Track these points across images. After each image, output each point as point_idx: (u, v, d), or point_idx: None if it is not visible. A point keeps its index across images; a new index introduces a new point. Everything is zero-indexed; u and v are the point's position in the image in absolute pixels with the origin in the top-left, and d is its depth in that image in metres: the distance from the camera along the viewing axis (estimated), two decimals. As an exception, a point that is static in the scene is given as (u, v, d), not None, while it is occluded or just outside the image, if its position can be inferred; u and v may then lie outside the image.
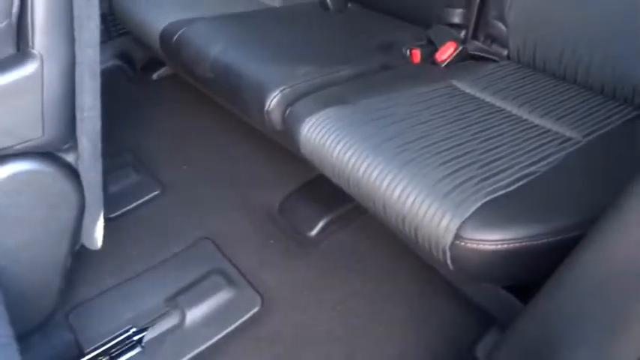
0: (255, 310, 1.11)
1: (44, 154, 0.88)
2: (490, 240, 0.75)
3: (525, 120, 1.06)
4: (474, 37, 1.42)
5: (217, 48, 1.27)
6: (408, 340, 1.04)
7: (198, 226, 1.33)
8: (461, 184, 0.83)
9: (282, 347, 1.05)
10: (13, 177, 0.85)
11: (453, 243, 0.77)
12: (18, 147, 0.83)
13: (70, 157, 0.92)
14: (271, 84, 1.11)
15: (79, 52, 0.80)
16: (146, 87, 1.91)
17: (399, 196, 0.85)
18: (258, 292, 1.15)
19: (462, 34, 1.42)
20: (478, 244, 0.75)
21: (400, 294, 1.12)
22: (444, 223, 0.78)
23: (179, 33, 1.37)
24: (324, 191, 1.33)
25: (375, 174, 0.89)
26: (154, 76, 1.94)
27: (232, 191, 1.43)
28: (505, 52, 1.35)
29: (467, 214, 0.77)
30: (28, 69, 0.77)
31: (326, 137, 0.98)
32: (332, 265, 1.20)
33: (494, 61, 1.33)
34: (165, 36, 1.41)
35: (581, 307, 0.51)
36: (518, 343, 0.57)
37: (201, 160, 1.56)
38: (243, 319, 1.10)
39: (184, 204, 1.42)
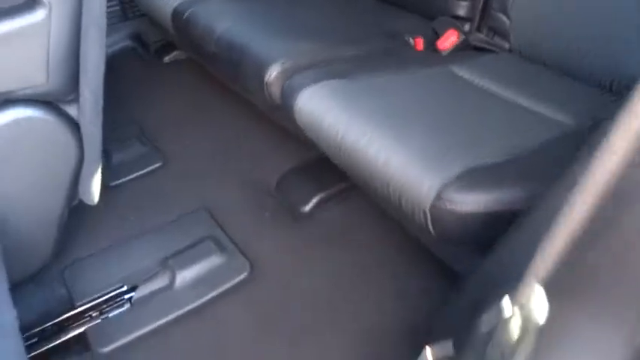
0: (244, 275, 1.14)
1: (48, 103, 0.92)
2: (470, 202, 0.77)
3: (520, 105, 1.07)
4: (478, 29, 1.44)
5: (224, 25, 1.31)
6: (393, 310, 1.06)
7: (195, 197, 1.36)
8: (445, 150, 0.85)
9: (268, 311, 1.08)
10: (17, 122, 0.89)
11: (433, 204, 0.79)
12: (23, 92, 0.87)
13: (72, 110, 0.96)
14: (272, 57, 1.14)
15: (86, 5, 0.84)
16: (158, 68, 1.96)
17: (385, 161, 0.87)
18: (248, 259, 1.17)
19: (467, 27, 1.45)
20: (459, 206, 0.77)
21: (388, 267, 1.14)
22: (426, 184, 0.80)
23: (189, 11, 1.42)
24: (320, 171, 1.36)
25: (363, 141, 0.91)
26: (166, 58, 1.99)
27: (232, 167, 1.47)
28: (507, 45, 1.36)
29: (449, 177, 0.79)
30: (37, 16, 0.81)
31: (320, 106, 1.01)
32: (323, 238, 1.22)
33: (496, 52, 1.35)
34: (177, 14, 1.46)
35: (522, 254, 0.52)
36: (466, 294, 0.58)
37: (204, 137, 1.59)
38: (232, 283, 1.12)
39: (184, 176, 1.45)
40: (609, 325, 0.42)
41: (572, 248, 0.36)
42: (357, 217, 1.27)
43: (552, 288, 0.38)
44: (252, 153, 1.51)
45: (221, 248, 1.19)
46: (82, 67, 0.89)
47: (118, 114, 1.60)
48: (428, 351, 0.42)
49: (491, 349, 0.34)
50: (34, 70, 0.85)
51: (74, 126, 0.96)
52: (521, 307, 0.35)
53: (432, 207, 0.79)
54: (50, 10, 0.81)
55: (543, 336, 0.34)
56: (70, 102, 0.94)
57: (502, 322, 0.34)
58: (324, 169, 1.35)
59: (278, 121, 1.47)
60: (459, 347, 0.39)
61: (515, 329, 0.34)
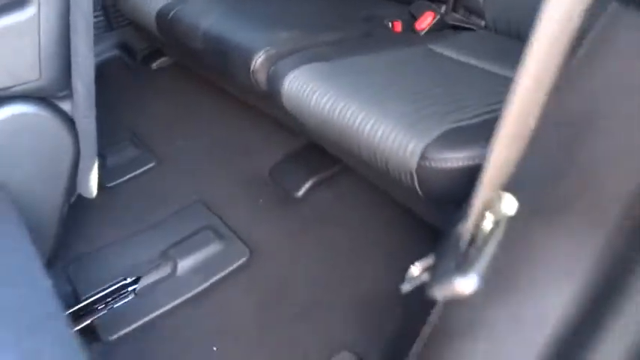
0: (244, 260, 1.17)
1: (42, 99, 0.95)
2: (454, 158, 0.80)
3: (496, 74, 1.12)
4: (454, 10, 1.49)
5: (208, 21, 1.35)
6: (390, 283, 1.08)
7: (191, 191, 1.39)
8: (426, 116, 0.89)
9: (269, 292, 1.10)
10: (13, 119, 0.92)
11: (419, 165, 0.82)
12: (17, 89, 0.90)
13: (66, 106, 0.99)
14: (256, 46, 1.18)
15: (74, 1, 0.87)
16: (146, 75, 1.99)
17: (370, 131, 0.90)
18: (246, 244, 1.20)
19: (443, 9, 1.49)
20: (443, 164, 0.81)
21: (382, 242, 1.17)
22: (410, 147, 0.84)
23: (174, 11, 1.46)
24: (311, 157, 1.40)
25: (348, 114, 0.95)
26: (154, 65, 2.02)
27: (225, 161, 1.50)
28: (482, 23, 1.41)
29: (431, 138, 0.83)
30: (27, 12, 0.85)
31: (305, 87, 1.05)
32: (318, 220, 1.26)
33: (473, 30, 1.40)
34: (161, 16, 1.50)
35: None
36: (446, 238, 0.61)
37: (195, 136, 1.62)
38: (232, 268, 1.15)
39: (178, 173, 1.48)
40: (578, 233, 0.46)
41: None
42: (349, 198, 1.30)
43: (517, 195, 0.41)
44: (243, 146, 1.54)
45: (219, 236, 1.22)
46: (73, 61, 0.92)
47: (110, 120, 1.63)
48: (413, 268, 0.46)
49: (465, 244, 0.37)
50: (26, 66, 0.88)
51: (69, 121, 0.99)
52: (493, 210, 0.39)
53: (418, 167, 0.83)
54: (39, 6, 0.85)
55: (514, 226, 0.37)
56: (63, 98, 0.97)
57: (475, 222, 0.37)
58: (314, 155, 1.39)
59: (266, 114, 1.51)
60: (438, 256, 0.42)
61: (488, 224, 0.37)
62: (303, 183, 1.33)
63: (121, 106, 1.78)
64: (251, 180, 1.42)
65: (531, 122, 0.41)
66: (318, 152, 1.35)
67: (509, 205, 0.38)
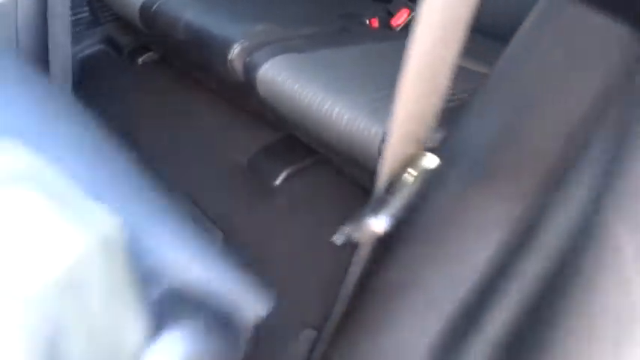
0: (217, 245, 1.20)
1: (20, 83, 0.98)
2: (412, 142, 0.84)
3: (465, 68, 1.14)
4: (431, 9, 1.53)
5: (190, 13, 1.39)
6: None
7: (170, 182, 1.41)
8: (390, 103, 0.92)
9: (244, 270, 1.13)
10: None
11: (380, 148, 0.86)
12: (-5, 71, 0.93)
13: (44, 91, 1.02)
14: (234, 37, 1.22)
15: (51, -14, 0.91)
16: (131, 70, 2.01)
17: (335, 118, 0.95)
18: (221, 230, 1.23)
19: (421, 7, 1.54)
20: (402, 147, 0.84)
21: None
22: (373, 131, 0.87)
23: (157, 3, 1.49)
24: (288, 149, 1.43)
25: (317, 101, 0.99)
26: (140, 60, 2.05)
27: (204, 153, 1.53)
28: (458, 21, 1.45)
29: (392, 123, 0.87)
30: (4, -3, 0.88)
31: (278, 77, 1.09)
32: (293, 207, 1.29)
33: (447, 28, 1.44)
34: (145, 7, 1.53)
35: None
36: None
37: (177, 130, 1.65)
38: (206, 252, 1.18)
39: (158, 165, 1.50)
40: (506, 196, 0.50)
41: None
42: (324, 187, 1.34)
43: (445, 156, 0.45)
44: (223, 139, 1.57)
45: (195, 223, 1.24)
46: (51, 46, 0.95)
47: (95, 114, 1.66)
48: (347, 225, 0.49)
49: (381, 192, 0.40)
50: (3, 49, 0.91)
51: (46, 105, 1.02)
52: (415, 167, 0.42)
53: (380, 149, 0.86)
54: (16, -9, 0.88)
55: (443, 189, 0.41)
56: (41, 82, 1.00)
57: (391, 173, 0.41)
58: (291, 147, 1.43)
59: (245, 108, 1.55)
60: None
61: (408, 178, 0.41)
62: (280, 173, 1.36)
63: (106, 100, 1.80)
64: (229, 171, 1.45)
65: (442, 81, 0.44)
66: (295, 144, 1.38)
67: (430, 162, 0.42)
